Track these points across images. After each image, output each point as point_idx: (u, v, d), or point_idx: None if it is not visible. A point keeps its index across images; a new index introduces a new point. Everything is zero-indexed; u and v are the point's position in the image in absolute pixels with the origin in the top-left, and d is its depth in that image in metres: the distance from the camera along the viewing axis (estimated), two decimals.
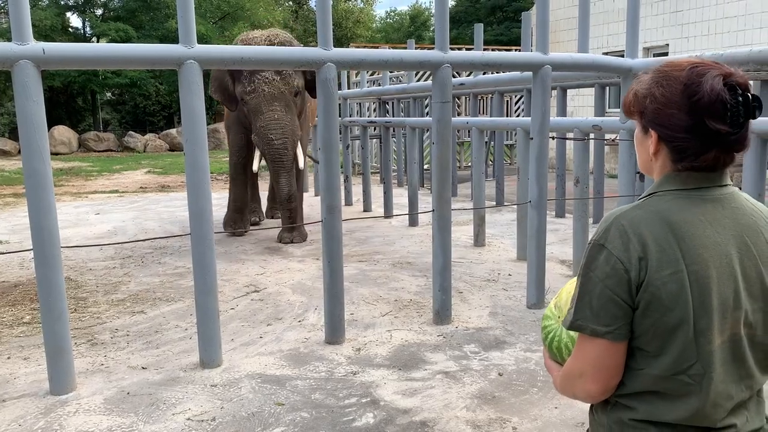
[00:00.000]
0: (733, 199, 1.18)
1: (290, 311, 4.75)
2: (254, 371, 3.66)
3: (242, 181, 7.60)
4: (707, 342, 1.12)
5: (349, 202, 9.89)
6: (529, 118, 6.25)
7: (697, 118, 1.10)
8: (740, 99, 1.09)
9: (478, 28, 6.54)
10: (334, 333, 4.06)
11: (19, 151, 21.70)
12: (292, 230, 7.13)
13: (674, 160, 1.16)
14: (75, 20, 30.88)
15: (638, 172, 5.08)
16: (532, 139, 4.53)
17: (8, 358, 3.91)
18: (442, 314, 4.35)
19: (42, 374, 3.55)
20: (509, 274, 5.66)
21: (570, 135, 5.63)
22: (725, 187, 1.18)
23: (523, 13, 6.10)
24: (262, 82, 6.52)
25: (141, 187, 13.17)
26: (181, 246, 7.07)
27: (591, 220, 7.28)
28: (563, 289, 1.46)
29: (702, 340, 1.12)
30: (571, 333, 1.34)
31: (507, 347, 3.96)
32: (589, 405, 1.32)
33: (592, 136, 5.51)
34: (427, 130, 12.18)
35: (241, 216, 7.66)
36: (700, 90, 1.09)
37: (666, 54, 12.11)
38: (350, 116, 10.58)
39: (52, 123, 26.56)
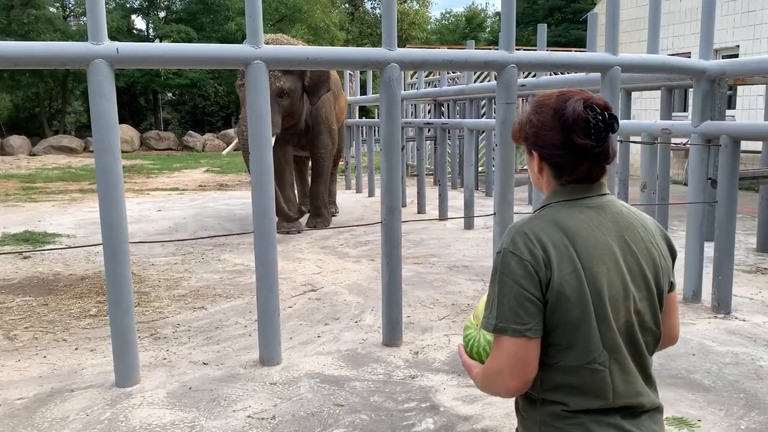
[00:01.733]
0: (613, 205, 1.37)
1: (347, 312, 4.75)
2: (313, 371, 3.66)
3: (283, 185, 7.83)
4: (608, 329, 1.28)
5: (402, 204, 9.86)
6: None
7: (566, 136, 1.29)
8: (600, 117, 1.28)
9: (542, 29, 6.40)
10: (392, 335, 4.03)
11: (85, 149, 22.57)
12: (316, 216, 8.21)
13: (556, 176, 1.35)
14: (139, 22, 31.85)
15: (710, 178, 4.87)
16: None
17: (76, 349, 4.03)
18: None
19: (108, 366, 3.63)
20: None
21: (635, 138, 5.45)
22: (604, 195, 1.37)
23: (589, 13, 5.95)
24: None
25: (200, 186, 13.47)
26: (239, 243, 7.18)
27: None
28: (480, 302, 1.55)
29: (603, 328, 1.28)
30: (488, 337, 1.45)
31: None
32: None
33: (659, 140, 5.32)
34: (482, 132, 12.05)
35: (291, 217, 7.86)
36: (566, 112, 1.29)
37: (736, 56, 11.64)
38: (405, 118, 10.56)
39: None
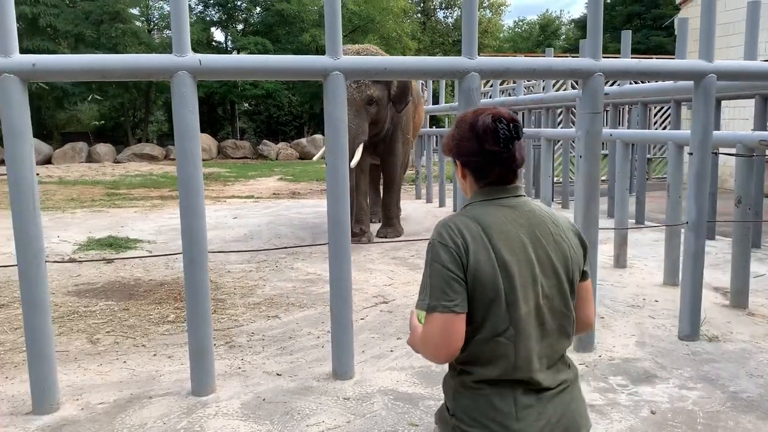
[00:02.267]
0: (526, 204, 1.59)
1: None
2: (386, 387, 3.57)
3: (358, 192, 7.89)
4: (515, 310, 1.49)
5: None
6: (681, 131, 5.78)
7: (480, 145, 1.53)
8: (506, 127, 1.51)
9: (626, 36, 6.14)
10: None
11: (166, 156, 23.34)
12: (387, 226, 8.19)
13: (476, 180, 1.59)
14: (218, 35, 32.96)
15: None
16: (691, 154, 4.13)
17: (154, 355, 4.10)
18: (584, 340, 4.06)
19: (184, 373, 3.67)
20: (656, 300, 5.22)
21: (724, 150, 5.12)
22: (519, 197, 1.59)
23: (677, 18, 5.65)
24: None
25: (274, 194, 13.71)
26: (312, 252, 7.21)
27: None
28: None
29: (511, 309, 1.49)
30: None
31: (658, 382, 3.61)
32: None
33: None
34: (558, 142, 11.73)
35: (361, 225, 7.83)
36: (478, 124, 1.53)
37: None
38: None
39: None
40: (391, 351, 4.15)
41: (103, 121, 32.18)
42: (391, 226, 8.20)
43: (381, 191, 8.90)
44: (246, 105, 33.70)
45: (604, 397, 3.41)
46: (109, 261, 6.85)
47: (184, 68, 3.24)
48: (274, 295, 5.49)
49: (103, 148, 25.01)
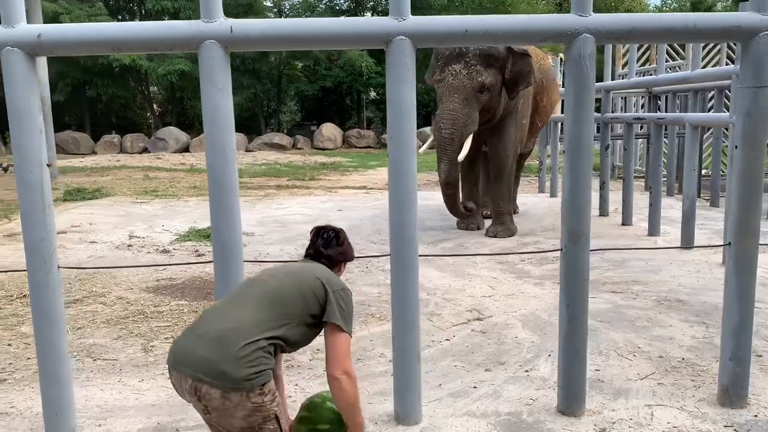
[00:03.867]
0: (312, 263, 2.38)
1: (516, 354, 3.80)
2: None
3: (468, 180, 7.74)
4: None
5: (604, 212, 8.51)
6: None
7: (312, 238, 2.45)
8: (323, 234, 2.43)
9: None
10: (570, 400, 3.02)
11: (294, 146, 23.62)
12: (497, 224, 7.33)
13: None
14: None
15: None
16: None
17: None
18: (732, 393, 3.04)
19: None
20: None
21: None
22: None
23: None
24: (449, 74, 6.74)
25: (386, 185, 13.15)
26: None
27: None
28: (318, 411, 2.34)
29: None
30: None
31: None
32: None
33: None
34: (708, 130, 10.13)
35: (471, 213, 7.48)
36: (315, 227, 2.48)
37: None
38: (613, 112, 9.15)
39: (322, 120, 28.80)
40: (475, 387, 3.35)
41: (239, 112, 33.46)
42: (501, 223, 7.30)
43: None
44: (373, 94, 33.56)
45: None
46: (200, 254, 6.57)
47: (211, 37, 2.64)
48: (356, 302, 4.83)
49: (236, 137, 25.84)
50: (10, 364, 3.73)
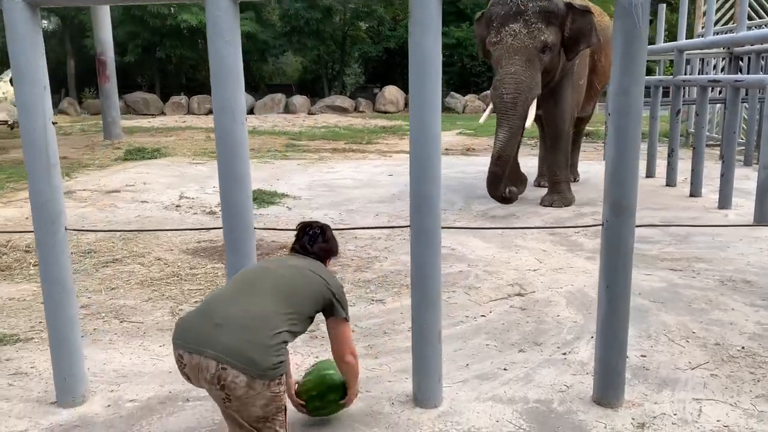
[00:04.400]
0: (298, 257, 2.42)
1: (556, 334, 3.53)
2: (479, 427, 2.59)
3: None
4: None
5: (671, 183, 7.95)
6: None
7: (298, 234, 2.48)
8: (308, 230, 2.45)
9: None
10: (607, 390, 2.75)
11: (356, 109, 23.49)
12: (553, 193, 6.90)
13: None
14: None
15: None
16: None
17: None
18: None
19: None
20: None
21: None
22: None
23: None
24: (507, 34, 6.20)
25: (445, 150, 12.80)
26: (456, 219, 6.26)
27: None
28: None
29: None
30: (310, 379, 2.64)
31: None
32: None
33: None
34: None
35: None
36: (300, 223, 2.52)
37: None
38: (686, 74, 8.49)
39: (385, 83, 28.41)
40: (505, 370, 3.11)
41: (304, 74, 33.43)
42: (557, 192, 6.90)
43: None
44: None
45: None
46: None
47: None
48: (391, 271, 4.66)
49: (299, 100, 25.87)
50: (39, 322, 3.74)
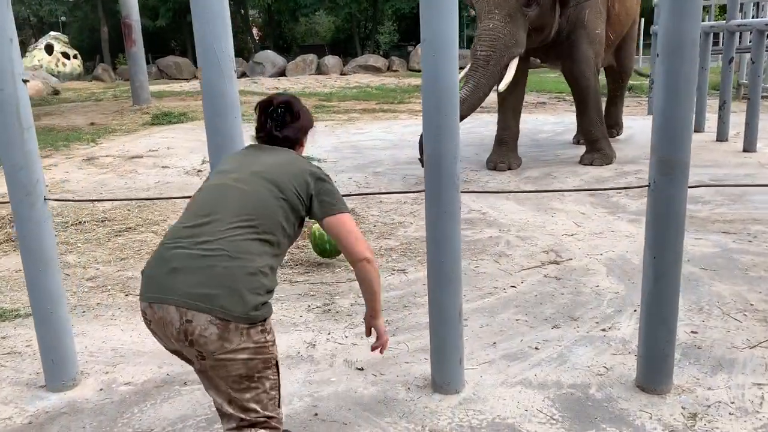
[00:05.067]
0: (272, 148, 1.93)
1: (595, 307, 3.18)
2: (504, 418, 2.29)
3: (504, 108, 6.56)
4: None
5: (722, 137, 7.39)
6: None
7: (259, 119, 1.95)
8: (271, 108, 1.92)
9: None
10: (653, 374, 2.41)
11: (389, 68, 22.96)
12: (592, 151, 6.42)
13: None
14: None
15: None
16: None
17: None
18: None
19: None
20: None
21: None
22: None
23: None
24: None
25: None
26: (488, 180, 5.89)
27: None
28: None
29: None
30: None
31: None
32: None
33: None
34: None
35: (504, 149, 6.51)
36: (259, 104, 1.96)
37: None
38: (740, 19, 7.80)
39: (420, 40, 27.67)
40: (537, 349, 2.79)
41: (336, 34, 32.81)
42: (597, 150, 6.44)
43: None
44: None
45: None
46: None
47: None
48: (416, 238, 4.34)
49: (331, 60, 25.38)
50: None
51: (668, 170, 2.18)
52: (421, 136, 5.80)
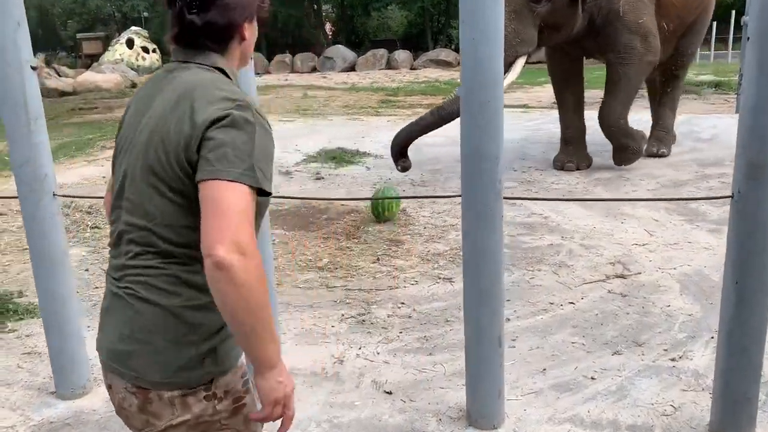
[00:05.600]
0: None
1: (664, 331, 2.78)
2: None
3: (566, 107, 6.42)
4: (116, 180, 1.28)
5: None
6: None
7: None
8: None
9: None
10: (730, 417, 2.02)
11: (459, 63, 22.96)
12: (618, 150, 5.94)
13: None
14: None
15: None
16: None
17: None
18: None
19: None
20: None
21: None
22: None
23: None
24: None
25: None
26: (553, 182, 5.48)
27: None
28: None
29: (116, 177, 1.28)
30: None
31: None
32: None
33: None
34: None
35: (571, 148, 6.18)
36: None
37: None
38: None
39: None
40: (593, 379, 2.43)
41: (409, 28, 32.55)
42: (623, 149, 5.90)
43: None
44: None
45: None
46: (320, 177, 6.06)
47: None
48: (458, 246, 4.01)
49: (401, 55, 25.14)
50: (77, 292, 3.46)
51: (758, 175, 1.79)
52: (396, 136, 5.50)
